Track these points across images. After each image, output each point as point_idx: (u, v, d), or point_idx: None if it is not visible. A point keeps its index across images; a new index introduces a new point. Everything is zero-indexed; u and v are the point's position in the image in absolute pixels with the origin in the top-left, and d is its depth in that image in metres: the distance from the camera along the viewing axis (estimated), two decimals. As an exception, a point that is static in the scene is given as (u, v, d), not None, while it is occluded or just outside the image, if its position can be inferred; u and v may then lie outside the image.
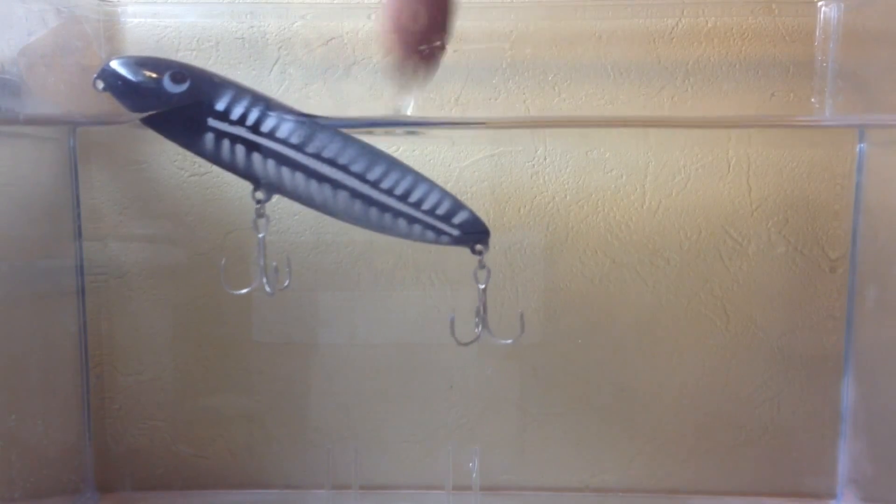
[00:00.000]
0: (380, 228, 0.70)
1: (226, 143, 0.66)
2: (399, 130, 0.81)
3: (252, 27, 0.84)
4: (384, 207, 0.69)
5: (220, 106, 0.66)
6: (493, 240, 0.84)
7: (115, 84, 0.66)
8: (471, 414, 0.89)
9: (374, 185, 0.68)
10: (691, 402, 0.89)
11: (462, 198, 0.84)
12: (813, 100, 0.83)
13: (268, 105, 0.67)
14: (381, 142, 0.82)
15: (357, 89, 0.84)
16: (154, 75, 0.66)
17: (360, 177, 0.68)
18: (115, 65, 0.66)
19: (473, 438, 0.89)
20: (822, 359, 0.87)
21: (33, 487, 0.77)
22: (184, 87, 0.65)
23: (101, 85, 0.66)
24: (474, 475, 0.86)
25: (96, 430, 0.89)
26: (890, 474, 0.82)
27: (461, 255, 0.72)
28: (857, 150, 0.84)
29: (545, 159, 0.85)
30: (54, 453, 0.82)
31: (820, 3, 0.81)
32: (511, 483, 0.90)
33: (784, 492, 0.90)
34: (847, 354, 0.86)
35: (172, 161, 0.86)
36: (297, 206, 0.69)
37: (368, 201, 0.69)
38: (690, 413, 0.89)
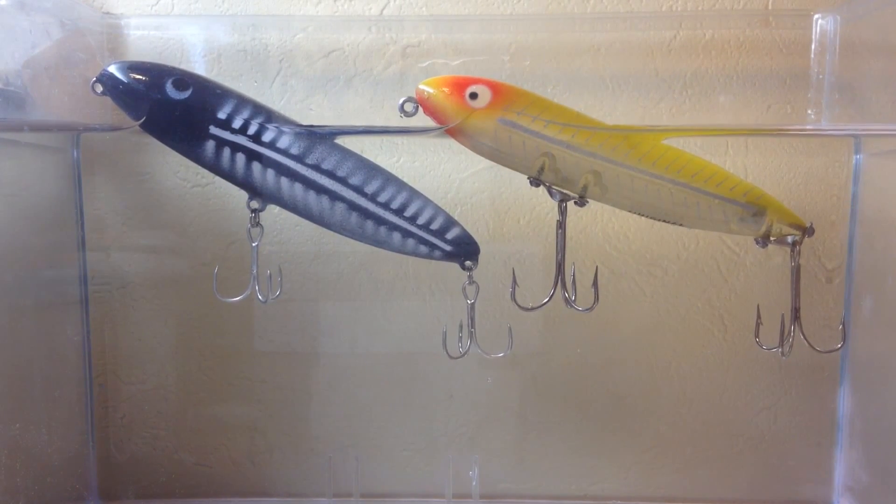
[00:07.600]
0: (374, 241, 0.70)
1: (225, 152, 0.67)
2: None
3: (254, 39, 0.84)
4: (380, 220, 0.69)
5: (222, 114, 0.66)
6: (493, 249, 0.85)
7: (114, 88, 0.66)
8: (471, 423, 0.90)
9: (371, 198, 0.69)
10: (689, 411, 0.89)
11: (462, 208, 0.86)
12: (809, 111, 0.83)
13: (268, 115, 0.68)
14: (381, 152, 0.83)
15: (358, 101, 0.85)
16: (156, 80, 0.66)
17: (358, 189, 0.69)
18: (114, 69, 0.66)
19: (473, 447, 0.89)
20: (819, 368, 0.88)
21: (37, 495, 0.78)
22: (186, 93, 0.66)
23: (99, 88, 0.66)
24: (474, 483, 0.87)
25: (99, 438, 0.89)
26: (886, 482, 0.82)
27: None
28: (854, 160, 0.85)
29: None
30: (58, 461, 0.82)
31: (816, 16, 0.81)
32: (510, 491, 0.91)
33: (781, 500, 0.90)
34: (843, 364, 0.87)
35: (175, 172, 0.87)
36: (298, 217, 0.70)
37: (365, 214, 0.69)
38: (688, 422, 0.89)
